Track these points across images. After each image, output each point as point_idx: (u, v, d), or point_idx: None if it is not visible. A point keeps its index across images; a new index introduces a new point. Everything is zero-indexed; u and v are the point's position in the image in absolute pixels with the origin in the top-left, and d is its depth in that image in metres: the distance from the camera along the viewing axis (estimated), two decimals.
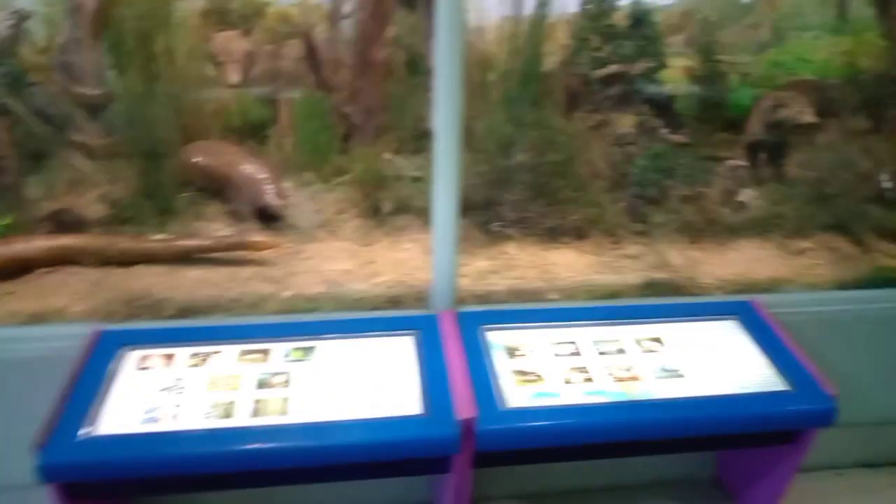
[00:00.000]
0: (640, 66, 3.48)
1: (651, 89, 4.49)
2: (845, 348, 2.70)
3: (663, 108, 4.73)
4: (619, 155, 3.42)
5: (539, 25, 3.17)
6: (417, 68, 4.14)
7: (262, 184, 3.13)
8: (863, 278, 2.85)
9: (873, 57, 5.09)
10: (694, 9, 5.40)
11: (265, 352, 2.26)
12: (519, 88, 3.19)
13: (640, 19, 3.72)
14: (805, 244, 3.08)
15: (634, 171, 3.40)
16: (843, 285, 2.81)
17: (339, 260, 2.92)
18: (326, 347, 2.30)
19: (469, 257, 3.00)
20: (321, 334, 2.33)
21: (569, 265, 2.91)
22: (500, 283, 2.75)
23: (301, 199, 3.51)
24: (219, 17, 4.47)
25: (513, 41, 3.18)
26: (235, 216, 3.20)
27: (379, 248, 3.08)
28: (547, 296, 2.69)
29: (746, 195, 3.56)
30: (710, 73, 4.38)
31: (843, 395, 2.18)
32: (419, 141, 3.83)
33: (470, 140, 3.53)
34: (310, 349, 2.28)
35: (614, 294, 2.70)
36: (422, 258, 2.95)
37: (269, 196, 3.11)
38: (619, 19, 3.75)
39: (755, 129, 3.89)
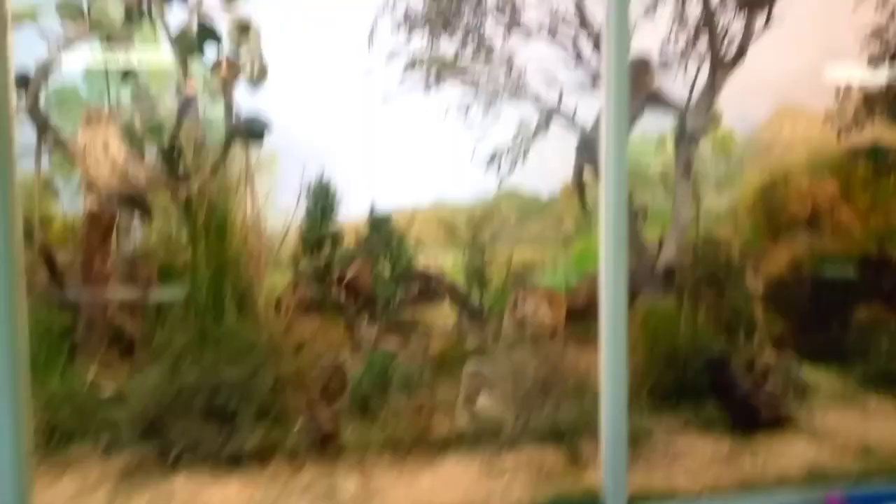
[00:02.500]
0: (353, 269, 3.39)
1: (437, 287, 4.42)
2: None
3: (463, 303, 4.67)
4: (334, 367, 3.21)
5: (221, 231, 3.10)
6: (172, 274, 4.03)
7: None
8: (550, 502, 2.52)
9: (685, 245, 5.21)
10: (494, 207, 5.60)
11: None
12: (209, 297, 3.04)
13: (377, 226, 3.73)
14: (513, 460, 2.78)
15: (352, 382, 3.17)
16: None
17: None
18: None
19: (126, 496, 2.62)
20: None
21: (225, 502, 2.53)
22: None
23: None
24: None
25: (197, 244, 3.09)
26: None
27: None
28: None
29: (482, 403, 3.32)
30: (480, 271, 4.38)
31: None
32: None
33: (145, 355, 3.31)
34: None
35: None
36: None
37: None
38: (358, 227, 3.76)
39: (508, 327, 3.78)
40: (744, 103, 5.83)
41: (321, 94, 3.60)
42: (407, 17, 3.44)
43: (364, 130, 3.57)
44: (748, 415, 3.06)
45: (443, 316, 4.69)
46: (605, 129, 2.39)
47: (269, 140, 3.63)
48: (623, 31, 2.38)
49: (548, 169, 5.24)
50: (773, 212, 5.64)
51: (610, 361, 2.46)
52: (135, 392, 2.89)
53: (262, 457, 2.78)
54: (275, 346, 3.06)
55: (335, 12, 3.58)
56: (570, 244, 5.59)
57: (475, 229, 4.36)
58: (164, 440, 2.79)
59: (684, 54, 3.87)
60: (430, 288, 4.54)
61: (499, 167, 3.79)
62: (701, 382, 3.11)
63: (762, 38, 4.30)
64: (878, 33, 4.64)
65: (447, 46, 3.56)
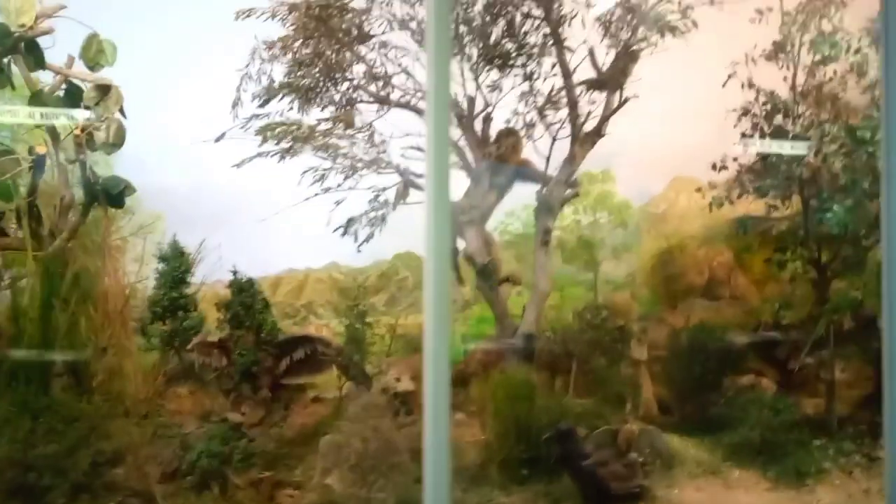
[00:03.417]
0: (201, 337, 3.28)
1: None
2: None
3: (347, 369, 4.54)
4: (176, 440, 3.04)
5: (51, 298, 2.96)
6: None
7: None
8: None
9: (577, 312, 5.22)
10: (391, 269, 5.57)
11: None
12: (38, 364, 2.87)
13: (241, 289, 3.62)
14: None
15: (193, 455, 3.00)
16: None
17: None
18: None
19: None
20: None
21: None
22: None
23: None
24: None
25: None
26: None
27: None
28: None
29: (336, 477, 3.18)
30: (362, 336, 4.28)
31: None
32: None
33: None
34: None
35: None
36: None
37: None
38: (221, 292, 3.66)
39: (374, 397, 3.68)
40: (638, 176, 6.03)
41: (189, 159, 3.56)
42: (269, 87, 3.46)
43: (227, 196, 3.53)
44: (598, 488, 3.00)
45: (330, 382, 4.54)
46: (426, 206, 2.39)
47: (153, 202, 3.55)
48: (444, 100, 2.43)
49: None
50: (669, 279, 5.73)
51: (432, 437, 2.39)
52: None
53: None
54: (109, 417, 2.89)
55: (202, 80, 3.59)
56: (467, 309, 5.55)
57: (359, 292, 4.29)
58: None
59: (538, 127, 3.98)
60: (316, 353, 4.41)
61: (355, 234, 3.77)
62: (551, 454, 3.04)
63: (654, 116, 4.51)
64: (746, 112, 4.86)
65: (312, 116, 3.58)
